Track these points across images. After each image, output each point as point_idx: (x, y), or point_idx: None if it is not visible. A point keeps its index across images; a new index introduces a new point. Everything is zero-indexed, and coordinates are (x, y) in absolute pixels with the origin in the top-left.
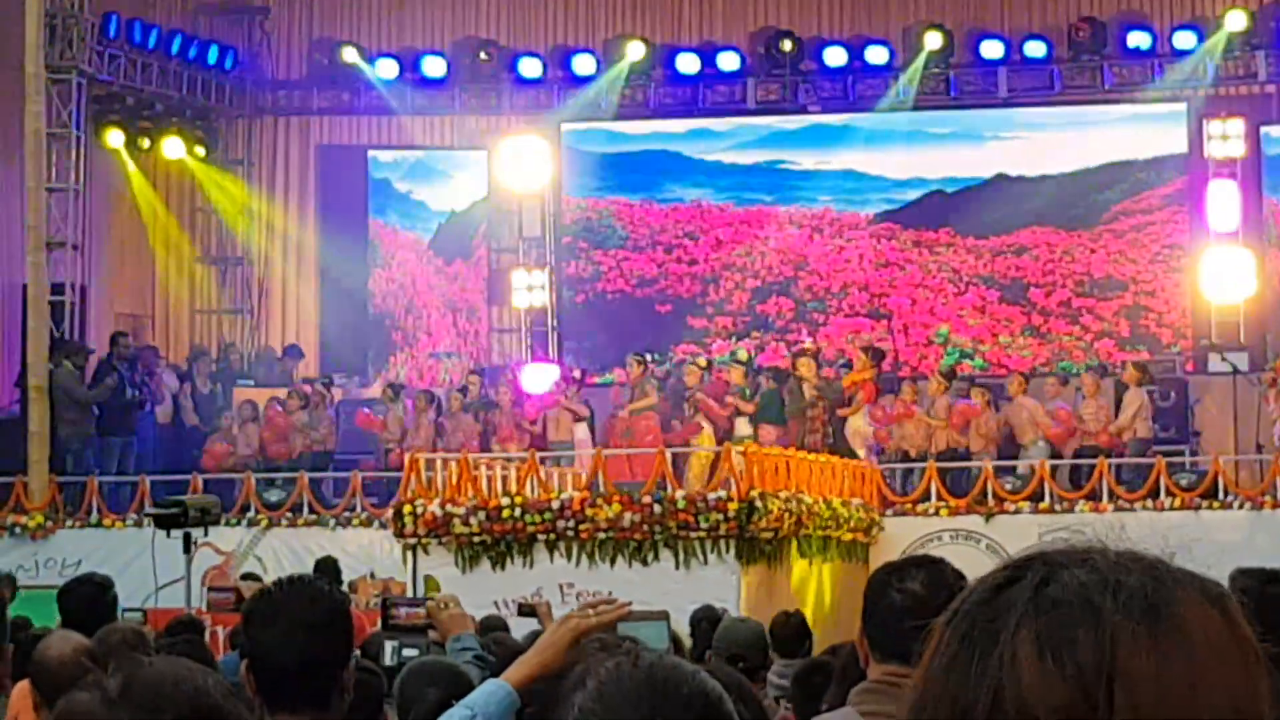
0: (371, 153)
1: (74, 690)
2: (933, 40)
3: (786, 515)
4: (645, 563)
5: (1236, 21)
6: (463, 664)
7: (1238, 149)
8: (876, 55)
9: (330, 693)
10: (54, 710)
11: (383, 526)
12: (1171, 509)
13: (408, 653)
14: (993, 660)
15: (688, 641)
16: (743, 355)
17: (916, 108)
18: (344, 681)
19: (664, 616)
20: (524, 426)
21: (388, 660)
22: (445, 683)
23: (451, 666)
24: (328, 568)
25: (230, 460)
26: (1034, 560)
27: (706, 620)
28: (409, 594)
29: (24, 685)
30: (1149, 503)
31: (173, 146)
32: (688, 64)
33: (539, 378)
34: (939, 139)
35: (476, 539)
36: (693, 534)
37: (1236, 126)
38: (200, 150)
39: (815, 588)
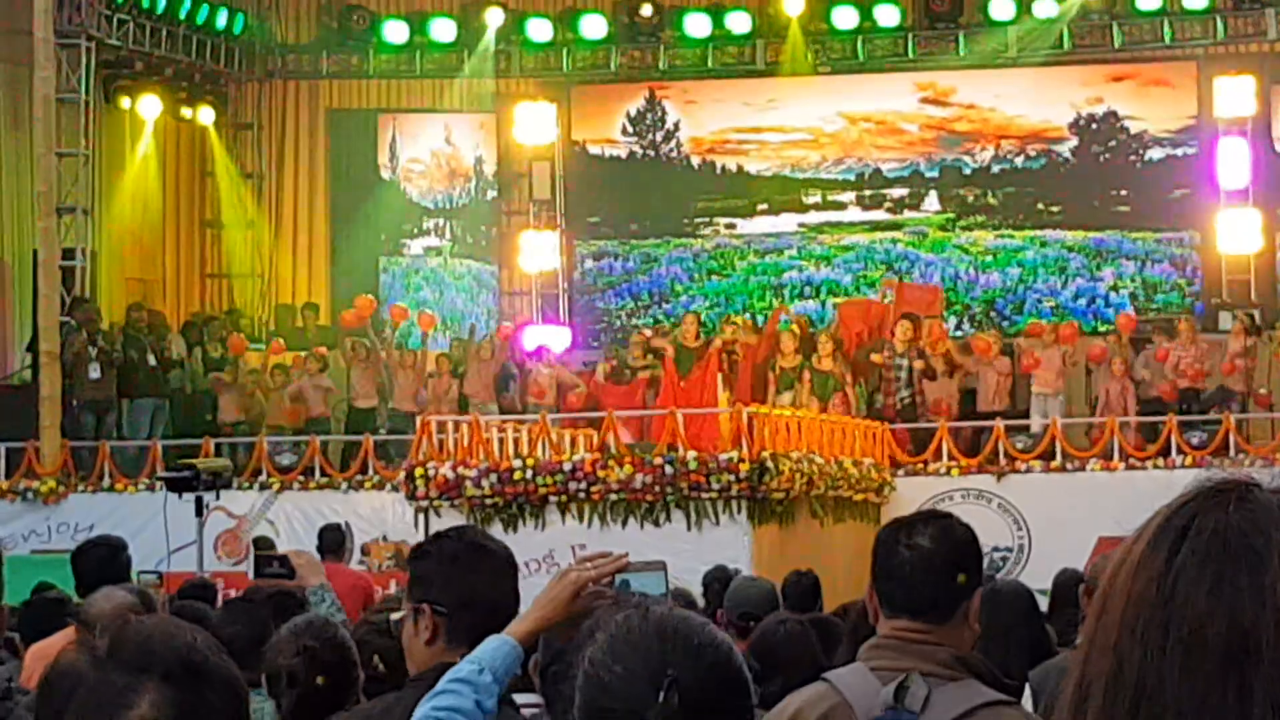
0: (381, 116)
1: (62, 651)
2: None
3: (798, 476)
4: (657, 524)
5: None
6: (325, 610)
7: (1248, 107)
8: (887, 16)
9: None
10: (43, 672)
11: (395, 489)
12: (1183, 467)
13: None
14: (1267, 579)
15: (700, 602)
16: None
17: (922, 68)
18: None
19: (662, 566)
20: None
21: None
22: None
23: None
24: (332, 536)
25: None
26: (1226, 488)
27: (718, 581)
28: None
29: (40, 646)
30: (1160, 461)
31: (182, 110)
32: (697, 25)
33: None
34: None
35: (489, 501)
36: (704, 495)
37: (1247, 84)
38: (210, 114)
39: (827, 548)
